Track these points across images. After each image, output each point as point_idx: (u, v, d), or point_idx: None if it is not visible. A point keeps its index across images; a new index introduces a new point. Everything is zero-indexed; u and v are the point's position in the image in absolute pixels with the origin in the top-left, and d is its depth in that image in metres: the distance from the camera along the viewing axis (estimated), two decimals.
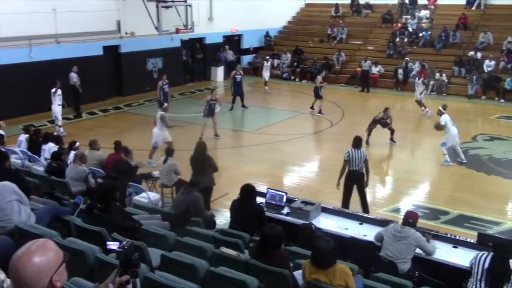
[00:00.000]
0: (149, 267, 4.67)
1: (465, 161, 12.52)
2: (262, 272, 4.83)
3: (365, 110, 19.39)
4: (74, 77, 17.08)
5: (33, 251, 2.22)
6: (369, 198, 10.66)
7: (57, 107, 14.77)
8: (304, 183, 11.37)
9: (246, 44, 27.12)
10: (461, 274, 5.83)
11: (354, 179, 9.24)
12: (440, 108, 12.99)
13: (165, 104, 14.07)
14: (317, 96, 17.77)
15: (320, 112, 17.73)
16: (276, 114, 18.61)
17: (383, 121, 14.17)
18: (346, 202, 9.29)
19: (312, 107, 18.08)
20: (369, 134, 13.88)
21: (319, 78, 17.91)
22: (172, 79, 21.54)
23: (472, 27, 24.20)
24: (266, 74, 21.93)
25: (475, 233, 6.83)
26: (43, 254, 2.23)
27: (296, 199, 7.86)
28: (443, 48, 23.50)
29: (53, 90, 14.68)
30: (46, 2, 16.61)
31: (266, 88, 21.87)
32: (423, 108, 17.99)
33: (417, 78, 18.77)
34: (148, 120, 16.74)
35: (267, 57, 23.79)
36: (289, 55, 25.73)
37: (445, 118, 12.49)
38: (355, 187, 9.33)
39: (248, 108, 18.42)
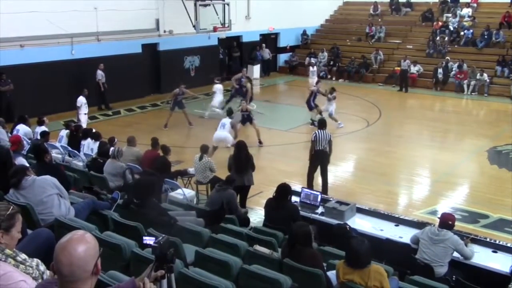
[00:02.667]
0: (183, 263, 4.72)
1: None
2: (296, 271, 4.82)
3: (402, 110, 19.13)
4: (99, 74, 17.41)
5: (77, 239, 2.33)
6: (406, 200, 10.57)
7: (83, 117, 14.30)
8: (339, 183, 11.27)
9: (283, 42, 27.08)
10: (500, 280, 5.68)
11: (319, 157, 9.96)
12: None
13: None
14: None
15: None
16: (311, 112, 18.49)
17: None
18: (310, 179, 10.11)
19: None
20: None
21: None
22: (209, 77, 21.74)
23: None
24: (312, 80, 19.92)
25: None
26: (86, 242, 2.33)
27: (331, 199, 7.81)
28: (485, 48, 22.88)
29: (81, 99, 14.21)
30: (88, 1, 16.99)
31: None
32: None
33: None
34: (184, 118, 16.95)
35: (312, 61, 22.89)
36: (326, 54, 25.55)
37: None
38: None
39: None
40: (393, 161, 12.79)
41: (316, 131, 10.00)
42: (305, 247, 5.02)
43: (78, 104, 14.28)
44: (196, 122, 16.38)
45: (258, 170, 9.34)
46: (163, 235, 3.00)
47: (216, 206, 7.39)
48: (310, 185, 10.00)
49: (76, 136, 11.00)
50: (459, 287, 5.72)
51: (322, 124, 10.18)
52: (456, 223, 6.38)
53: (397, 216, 7.62)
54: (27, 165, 6.59)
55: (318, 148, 9.92)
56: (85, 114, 14.49)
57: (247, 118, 13.93)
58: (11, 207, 3.31)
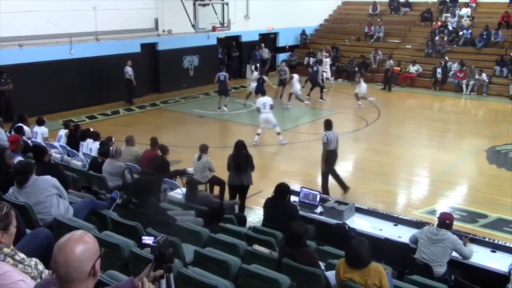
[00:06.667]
0: (182, 263, 4.72)
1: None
2: (295, 271, 4.82)
3: (401, 110, 19.12)
4: (129, 70, 17.86)
5: (76, 239, 2.30)
6: (404, 199, 10.58)
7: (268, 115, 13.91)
8: None
9: (282, 42, 27.07)
10: (499, 279, 5.68)
11: (334, 158, 10.10)
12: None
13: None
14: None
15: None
16: (311, 112, 18.51)
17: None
18: (339, 179, 10.22)
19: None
20: None
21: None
22: (208, 76, 21.73)
23: None
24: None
25: None
26: (85, 243, 2.30)
27: (329, 199, 7.80)
28: (484, 47, 22.89)
29: None
30: (87, 0, 16.97)
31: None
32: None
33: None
34: (184, 117, 16.99)
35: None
36: (325, 54, 25.50)
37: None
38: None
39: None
40: (392, 160, 12.80)
41: (326, 133, 9.99)
42: (301, 246, 5.03)
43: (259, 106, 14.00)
44: (195, 122, 16.40)
45: (257, 170, 9.33)
46: (162, 234, 3.00)
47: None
48: (342, 182, 10.21)
49: (76, 136, 10.99)
50: (458, 287, 5.72)
51: (329, 125, 10.15)
52: (455, 222, 6.39)
53: (396, 215, 7.62)
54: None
55: (330, 148, 9.98)
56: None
57: None
58: (5, 205, 3.31)
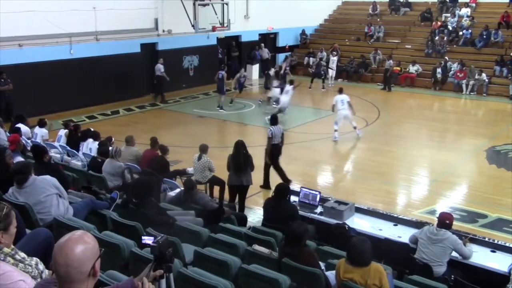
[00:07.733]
0: (182, 263, 4.72)
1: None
2: (295, 270, 4.82)
3: (401, 109, 19.13)
4: (161, 67, 18.73)
5: (76, 239, 2.30)
6: (404, 199, 10.59)
7: (343, 112, 14.29)
8: (338, 183, 11.28)
9: (282, 42, 27.08)
10: (499, 279, 5.69)
11: (277, 152, 10.55)
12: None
13: None
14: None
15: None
16: (311, 112, 18.52)
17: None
18: (268, 173, 10.56)
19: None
20: None
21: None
22: (208, 76, 21.75)
23: None
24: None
25: None
26: (84, 243, 2.30)
27: (329, 199, 7.80)
28: (484, 47, 22.89)
29: None
30: (87, 0, 16.97)
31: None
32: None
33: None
34: (184, 117, 17.00)
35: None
36: (324, 54, 25.52)
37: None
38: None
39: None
40: (392, 160, 12.80)
41: (272, 128, 10.54)
42: (301, 246, 5.03)
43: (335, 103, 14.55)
44: (195, 122, 16.40)
45: (257, 170, 9.33)
46: (162, 234, 3.00)
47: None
48: (268, 179, 10.48)
49: (76, 136, 10.99)
50: (457, 287, 5.72)
51: (275, 120, 10.78)
52: (455, 222, 6.40)
53: (395, 215, 7.63)
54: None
55: (274, 142, 10.48)
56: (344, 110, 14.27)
57: None
58: (5, 206, 3.31)
